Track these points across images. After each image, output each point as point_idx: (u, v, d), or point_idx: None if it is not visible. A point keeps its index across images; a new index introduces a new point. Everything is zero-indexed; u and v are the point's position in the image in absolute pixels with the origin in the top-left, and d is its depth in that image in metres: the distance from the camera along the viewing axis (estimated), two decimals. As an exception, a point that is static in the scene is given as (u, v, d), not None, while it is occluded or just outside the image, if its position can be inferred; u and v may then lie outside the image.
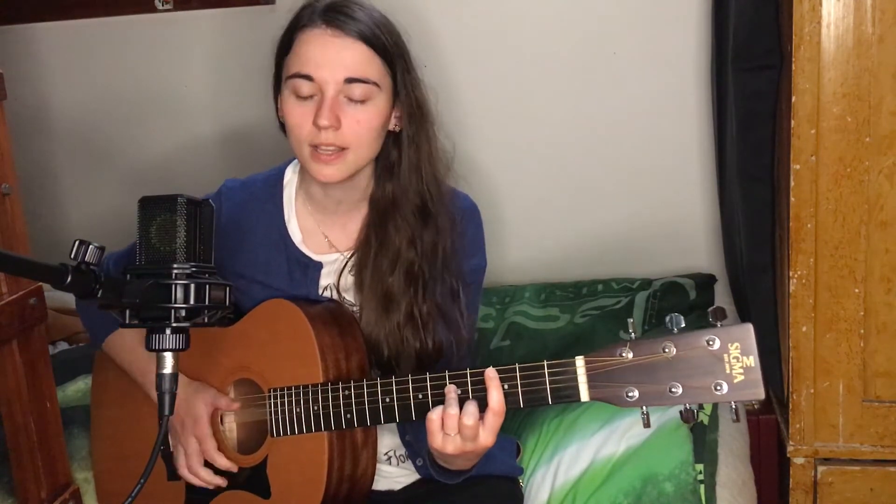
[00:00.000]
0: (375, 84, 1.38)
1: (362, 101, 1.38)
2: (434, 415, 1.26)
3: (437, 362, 1.47)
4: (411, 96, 1.45)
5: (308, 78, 1.36)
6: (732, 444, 1.85)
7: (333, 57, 1.36)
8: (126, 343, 1.57)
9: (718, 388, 1.14)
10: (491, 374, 1.24)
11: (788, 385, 1.87)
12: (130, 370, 1.57)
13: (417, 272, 1.46)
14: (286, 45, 1.41)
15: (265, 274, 1.52)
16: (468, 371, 1.27)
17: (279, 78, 1.44)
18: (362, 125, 1.39)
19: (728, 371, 1.14)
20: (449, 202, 1.50)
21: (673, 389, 1.16)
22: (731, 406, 1.16)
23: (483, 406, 1.25)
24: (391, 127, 1.45)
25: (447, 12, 2.45)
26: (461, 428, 1.25)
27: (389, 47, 1.40)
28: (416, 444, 1.52)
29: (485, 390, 1.25)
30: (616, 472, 1.69)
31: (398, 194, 1.47)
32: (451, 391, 1.26)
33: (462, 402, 1.26)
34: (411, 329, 1.46)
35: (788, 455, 1.88)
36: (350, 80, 1.36)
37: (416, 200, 1.47)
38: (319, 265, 1.52)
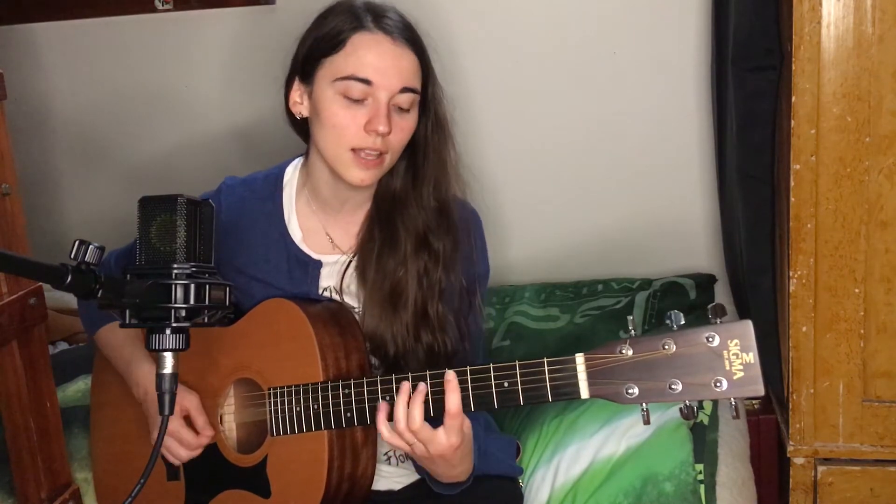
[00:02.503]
0: (419, 93, 1.41)
1: (406, 110, 1.40)
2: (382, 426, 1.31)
3: (449, 362, 1.47)
4: (435, 106, 1.47)
5: (366, 82, 1.36)
6: (732, 444, 1.85)
7: (393, 65, 1.37)
8: (113, 340, 1.59)
9: (718, 384, 1.14)
10: (449, 377, 1.27)
11: (788, 385, 1.87)
12: (116, 364, 1.58)
13: (433, 274, 1.47)
14: (333, 44, 1.39)
15: (265, 272, 1.52)
16: (468, 368, 1.28)
17: (306, 70, 1.43)
18: (405, 133, 1.42)
19: (728, 368, 1.14)
20: (459, 210, 1.51)
21: (673, 386, 1.16)
22: (730, 403, 1.17)
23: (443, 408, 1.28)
24: None
25: (446, 13, 2.45)
26: (415, 433, 1.28)
27: (426, 53, 1.43)
28: None
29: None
30: (616, 472, 1.69)
31: (409, 193, 1.48)
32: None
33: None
34: (426, 328, 1.46)
35: (788, 455, 1.88)
36: (404, 90, 1.38)
37: (434, 205, 1.49)
38: (319, 264, 1.52)
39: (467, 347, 1.52)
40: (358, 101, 1.38)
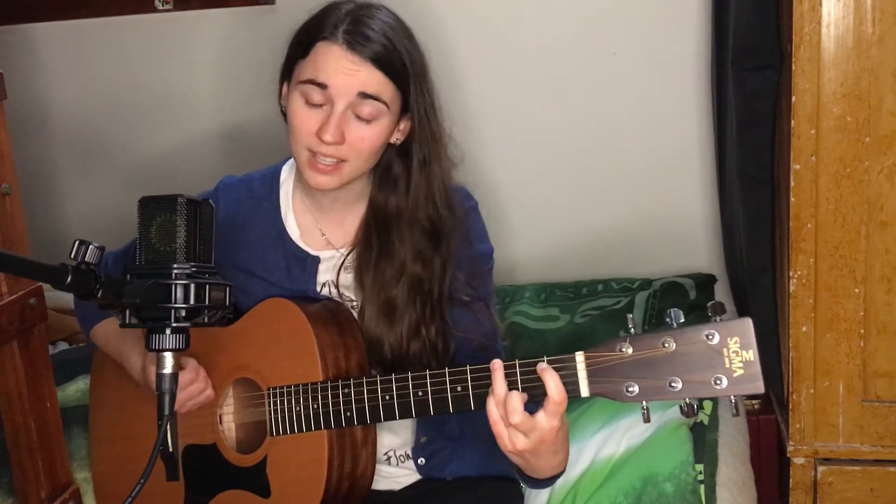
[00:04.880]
0: (385, 104, 1.39)
1: (368, 121, 1.39)
2: (495, 417, 1.24)
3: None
4: (424, 119, 1.45)
5: (322, 86, 1.36)
6: (732, 444, 1.85)
7: (349, 76, 1.36)
8: (106, 334, 1.60)
9: (718, 382, 1.14)
10: (543, 366, 1.22)
11: (788, 385, 1.87)
12: (117, 357, 1.58)
13: (426, 289, 1.46)
14: (303, 48, 1.40)
15: (263, 269, 1.53)
16: (468, 368, 1.28)
17: (290, 71, 1.44)
18: (365, 143, 1.40)
19: (727, 365, 1.14)
20: (455, 205, 1.51)
21: (673, 384, 1.16)
22: (730, 400, 1.16)
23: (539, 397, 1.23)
24: (392, 140, 1.46)
25: (445, 12, 2.45)
26: (516, 426, 1.22)
27: (403, 70, 1.40)
28: (431, 442, 1.53)
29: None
30: (616, 472, 1.69)
31: (403, 208, 1.48)
32: (498, 381, 1.23)
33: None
34: (417, 344, 1.46)
35: (788, 455, 1.88)
36: (363, 96, 1.37)
37: (427, 224, 1.48)
38: (317, 260, 1.52)
39: (492, 338, 1.51)
40: (316, 106, 1.38)
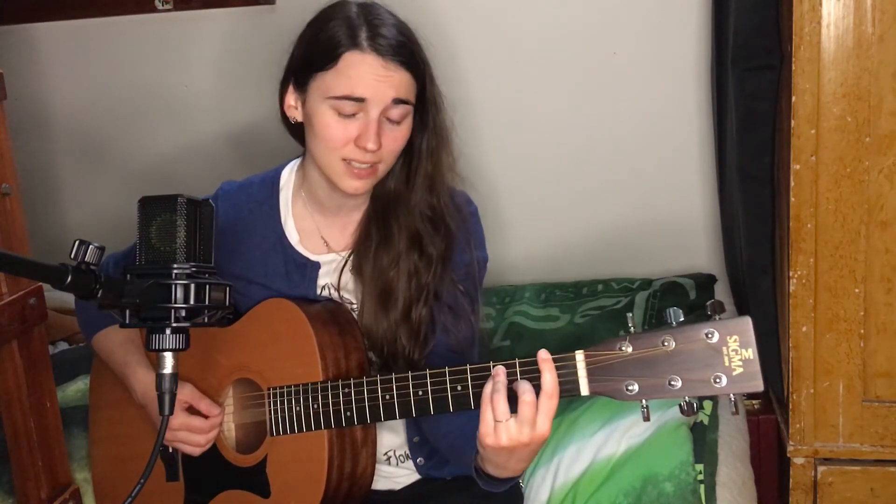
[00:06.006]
0: (412, 104, 1.42)
1: (398, 122, 1.41)
2: (486, 401, 1.23)
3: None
4: (433, 112, 1.47)
5: (360, 100, 1.37)
6: (732, 444, 1.85)
7: (384, 84, 1.37)
8: (109, 344, 1.59)
9: (717, 380, 1.14)
10: (544, 355, 1.21)
11: (788, 385, 1.87)
12: (118, 373, 1.58)
13: (422, 276, 1.47)
14: (326, 60, 1.39)
15: (263, 275, 1.52)
16: (468, 367, 1.28)
17: (299, 79, 1.43)
18: (397, 143, 1.42)
19: (727, 364, 1.14)
20: (455, 208, 1.51)
21: (672, 382, 1.16)
22: (730, 399, 1.17)
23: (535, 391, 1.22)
24: None
25: (447, 12, 2.45)
26: (519, 406, 1.21)
27: (421, 63, 1.42)
28: (427, 442, 1.52)
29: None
30: (616, 472, 1.69)
31: (403, 194, 1.49)
32: (501, 373, 1.23)
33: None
34: (405, 332, 1.46)
35: (788, 455, 1.88)
36: (396, 102, 1.38)
37: (428, 212, 1.49)
38: (317, 265, 1.52)
39: (473, 339, 1.51)
40: (349, 116, 1.38)
